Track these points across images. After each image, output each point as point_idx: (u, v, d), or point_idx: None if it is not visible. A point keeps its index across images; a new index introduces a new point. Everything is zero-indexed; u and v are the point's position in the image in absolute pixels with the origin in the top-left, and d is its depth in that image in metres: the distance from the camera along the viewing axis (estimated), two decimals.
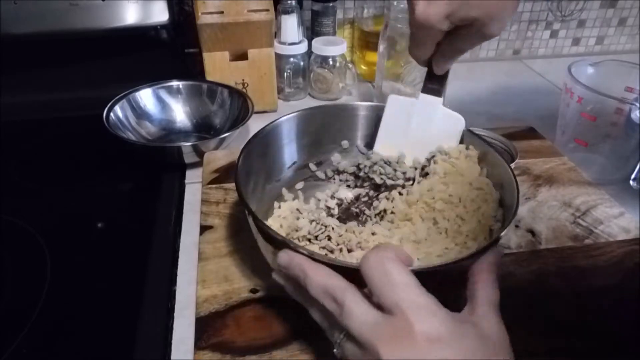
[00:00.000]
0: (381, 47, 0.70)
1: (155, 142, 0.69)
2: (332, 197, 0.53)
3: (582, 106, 0.60)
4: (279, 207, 0.48)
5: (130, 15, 0.75)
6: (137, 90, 0.69)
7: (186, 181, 0.62)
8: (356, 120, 0.53)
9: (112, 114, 0.65)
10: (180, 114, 0.72)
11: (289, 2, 0.75)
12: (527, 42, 1.01)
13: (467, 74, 0.89)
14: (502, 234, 0.36)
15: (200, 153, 0.62)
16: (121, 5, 0.73)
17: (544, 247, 0.50)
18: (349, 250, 0.43)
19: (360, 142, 0.53)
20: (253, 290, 0.44)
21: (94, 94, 0.67)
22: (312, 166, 0.53)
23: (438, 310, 0.29)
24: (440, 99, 0.47)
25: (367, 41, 0.86)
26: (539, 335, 0.41)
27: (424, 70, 0.46)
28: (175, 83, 0.72)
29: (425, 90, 0.47)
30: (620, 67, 0.64)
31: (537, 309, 0.43)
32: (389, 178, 0.50)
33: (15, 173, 0.64)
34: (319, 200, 0.52)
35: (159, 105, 0.71)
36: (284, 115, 0.50)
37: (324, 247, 0.42)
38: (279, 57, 0.77)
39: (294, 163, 0.52)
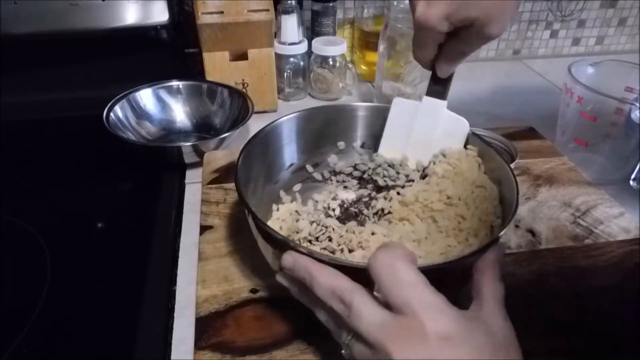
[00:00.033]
0: (381, 47, 0.70)
1: (155, 142, 0.69)
2: (334, 198, 0.53)
3: (582, 106, 0.60)
4: (277, 209, 0.48)
5: (130, 15, 0.75)
6: (137, 90, 0.69)
7: (186, 181, 0.62)
8: (354, 121, 0.53)
9: (112, 114, 0.65)
10: (180, 114, 0.72)
11: (289, 2, 0.75)
12: (527, 42, 1.01)
13: (467, 74, 0.88)
14: (503, 231, 0.36)
15: (200, 153, 0.62)
16: (121, 5, 0.73)
17: (544, 247, 0.50)
18: (350, 251, 0.43)
19: (356, 143, 0.53)
20: (253, 290, 0.44)
21: (94, 94, 0.67)
22: (309, 168, 0.53)
23: (448, 309, 0.29)
24: (444, 102, 0.47)
25: (367, 41, 0.86)
26: (539, 335, 0.41)
27: (424, 70, 0.46)
28: (175, 83, 0.72)
29: (430, 93, 0.47)
30: (620, 67, 0.64)
31: (537, 309, 0.43)
32: (392, 180, 0.50)
33: (15, 173, 0.64)
34: (317, 202, 0.52)
35: (159, 105, 0.71)
36: (284, 116, 0.50)
37: (325, 248, 0.42)
38: (279, 57, 0.77)
39: (291, 165, 0.52)
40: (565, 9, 0.97)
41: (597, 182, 0.59)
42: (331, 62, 0.79)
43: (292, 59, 0.79)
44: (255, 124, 0.61)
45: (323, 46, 0.78)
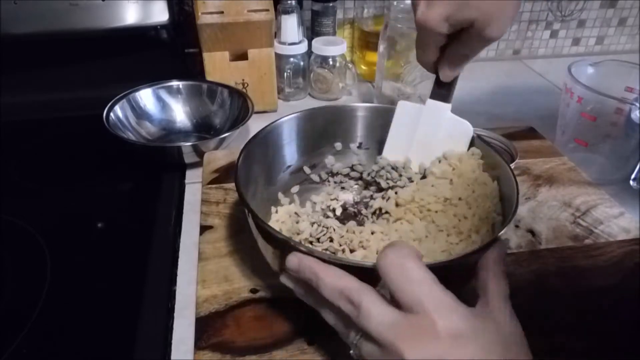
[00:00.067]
0: (381, 47, 0.70)
1: (155, 142, 0.69)
2: (335, 199, 0.52)
3: (582, 106, 0.60)
4: (276, 211, 0.48)
5: (130, 15, 0.75)
6: (137, 90, 0.69)
7: (186, 181, 0.62)
8: (353, 122, 0.53)
9: (112, 114, 0.65)
10: (180, 114, 0.72)
11: (289, 2, 0.75)
12: (527, 42, 1.01)
13: (467, 74, 0.87)
14: (504, 230, 0.36)
15: (200, 153, 0.62)
16: (121, 5, 0.73)
17: (544, 247, 0.50)
18: (352, 251, 0.43)
19: (354, 143, 0.53)
20: (253, 290, 0.44)
21: (94, 94, 0.67)
22: (307, 169, 0.53)
23: (458, 306, 0.29)
24: (448, 105, 0.47)
25: (367, 41, 0.86)
26: (539, 335, 0.40)
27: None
28: (175, 83, 0.72)
29: (433, 95, 0.47)
30: (620, 67, 0.64)
31: (537, 309, 0.43)
32: (394, 183, 0.50)
33: (15, 173, 0.64)
34: (315, 203, 0.52)
35: (159, 105, 0.71)
36: (284, 116, 0.50)
37: (326, 249, 0.42)
38: (279, 57, 0.77)
39: (289, 166, 0.52)
40: (565, 9, 0.97)
41: (597, 182, 0.59)
42: (331, 62, 0.79)
43: (292, 59, 0.79)
44: (255, 124, 0.61)
45: (323, 46, 0.78)
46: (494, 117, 0.75)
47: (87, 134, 0.68)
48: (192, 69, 0.80)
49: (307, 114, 0.51)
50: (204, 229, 0.51)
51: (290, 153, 0.51)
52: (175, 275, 0.48)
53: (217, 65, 0.72)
